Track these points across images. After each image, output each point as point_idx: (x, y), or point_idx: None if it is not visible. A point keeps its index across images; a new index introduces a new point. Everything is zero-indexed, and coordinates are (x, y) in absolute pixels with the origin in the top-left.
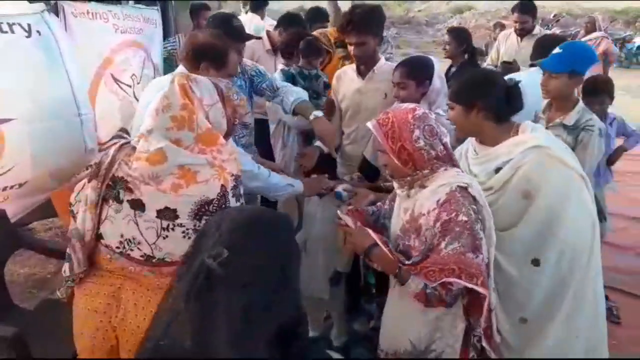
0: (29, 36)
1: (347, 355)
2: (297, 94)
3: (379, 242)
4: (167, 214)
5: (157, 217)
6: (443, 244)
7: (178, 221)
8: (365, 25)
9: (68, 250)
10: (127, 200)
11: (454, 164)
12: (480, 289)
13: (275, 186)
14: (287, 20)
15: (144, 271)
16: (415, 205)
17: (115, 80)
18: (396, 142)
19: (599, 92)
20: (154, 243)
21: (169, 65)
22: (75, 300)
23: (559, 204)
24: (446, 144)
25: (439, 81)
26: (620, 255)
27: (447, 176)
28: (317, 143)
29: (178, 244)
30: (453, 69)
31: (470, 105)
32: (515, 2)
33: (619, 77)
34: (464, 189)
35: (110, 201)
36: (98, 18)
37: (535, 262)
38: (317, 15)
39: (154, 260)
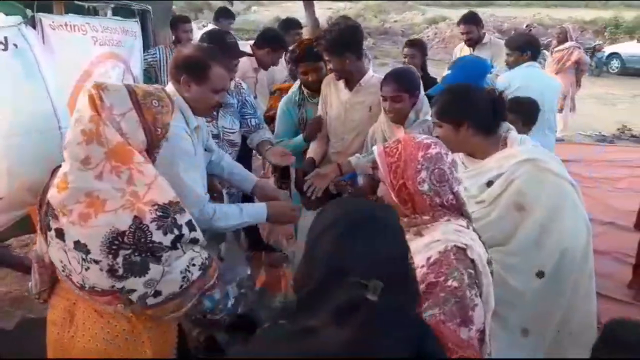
0: (5, 49)
1: None
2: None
3: None
4: (80, 247)
5: (74, 248)
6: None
7: (91, 256)
8: (334, 47)
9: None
10: (54, 229)
11: (462, 214)
12: None
13: (223, 227)
14: (272, 38)
15: (85, 295)
16: None
17: None
18: (398, 179)
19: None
20: (80, 273)
21: (148, 77)
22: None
23: (554, 215)
24: (457, 194)
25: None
26: (598, 259)
27: (447, 230)
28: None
29: (100, 277)
30: None
31: (458, 123)
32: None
33: (589, 86)
34: (461, 250)
35: (48, 228)
36: (76, 30)
37: (541, 274)
38: (290, 24)
39: (86, 288)
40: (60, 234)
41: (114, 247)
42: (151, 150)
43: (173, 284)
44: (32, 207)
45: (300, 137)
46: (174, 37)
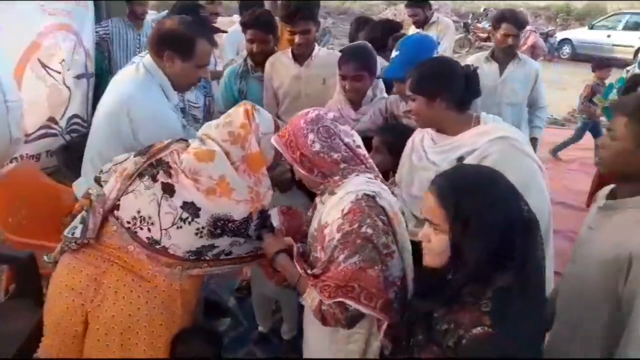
0: None
1: (297, 350)
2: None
3: (290, 250)
4: (191, 209)
5: (181, 207)
6: (342, 257)
7: (197, 219)
8: (310, 12)
9: (83, 214)
10: (162, 182)
11: (367, 167)
12: (376, 314)
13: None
14: None
15: (142, 254)
16: (322, 214)
17: (43, 65)
18: (296, 151)
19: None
20: (167, 229)
21: (99, 51)
22: (55, 273)
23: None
24: (349, 144)
25: None
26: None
27: (355, 183)
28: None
29: (188, 238)
30: None
31: (433, 96)
32: None
33: (543, 70)
34: (371, 197)
35: (146, 177)
36: None
37: None
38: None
39: (157, 246)
40: (169, 189)
41: (219, 224)
42: (269, 169)
43: (244, 249)
44: None
45: None
46: (128, 10)
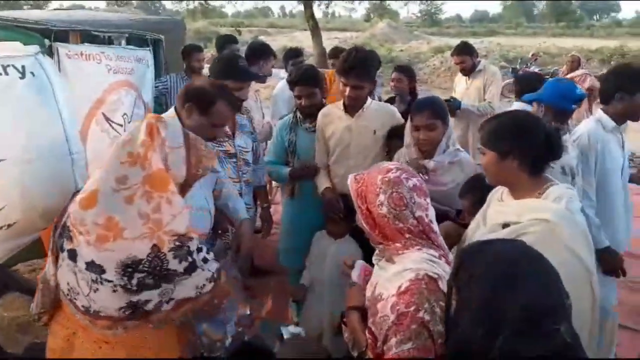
0: (22, 77)
1: None
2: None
3: (361, 311)
4: (94, 268)
5: (86, 269)
6: (394, 341)
7: (105, 276)
8: (367, 70)
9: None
10: (67, 250)
11: (434, 244)
12: None
13: None
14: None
15: (86, 321)
16: (377, 283)
17: (107, 119)
18: (364, 203)
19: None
20: (88, 295)
21: (158, 104)
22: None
23: None
24: (420, 218)
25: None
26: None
27: (418, 259)
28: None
29: (108, 298)
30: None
31: (505, 153)
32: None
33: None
34: (433, 280)
35: (59, 249)
36: (91, 59)
37: None
38: (292, 53)
39: (91, 312)
40: (72, 255)
41: (129, 271)
42: (185, 186)
43: (187, 291)
44: (44, 231)
45: (286, 171)
46: (185, 66)
